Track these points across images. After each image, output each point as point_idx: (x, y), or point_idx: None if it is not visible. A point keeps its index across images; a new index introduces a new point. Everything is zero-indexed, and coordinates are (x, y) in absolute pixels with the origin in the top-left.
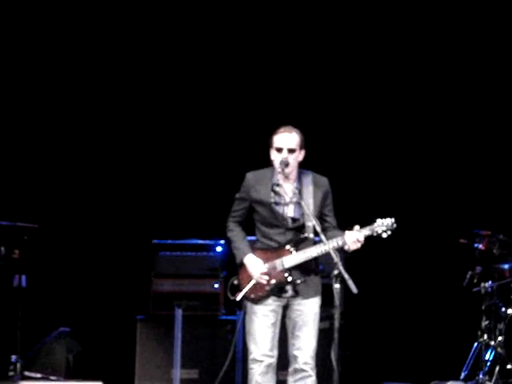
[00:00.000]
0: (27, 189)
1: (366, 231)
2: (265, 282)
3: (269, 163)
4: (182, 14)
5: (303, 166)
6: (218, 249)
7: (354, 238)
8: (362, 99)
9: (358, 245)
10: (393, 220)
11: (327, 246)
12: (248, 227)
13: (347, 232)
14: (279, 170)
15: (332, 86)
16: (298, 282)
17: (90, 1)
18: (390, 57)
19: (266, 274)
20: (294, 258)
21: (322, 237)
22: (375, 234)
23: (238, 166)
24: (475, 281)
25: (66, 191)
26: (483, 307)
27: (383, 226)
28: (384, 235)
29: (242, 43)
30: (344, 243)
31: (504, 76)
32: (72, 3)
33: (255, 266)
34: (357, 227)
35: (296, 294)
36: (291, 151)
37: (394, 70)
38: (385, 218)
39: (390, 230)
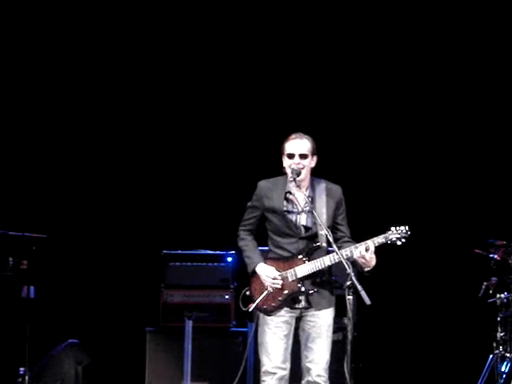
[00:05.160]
0: (36, 199)
1: (380, 239)
2: (278, 287)
3: (280, 172)
4: (193, 18)
5: (316, 174)
6: (229, 259)
7: (364, 250)
8: (377, 108)
9: (369, 259)
10: (407, 227)
11: (340, 255)
12: (260, 237)
13: (361, 243)
14: (291, 178)
15: (345, 94)
16: (311, 292)
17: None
18: (407, 65)
19: (279, 281)
20: (306, 267)
21: (335, 246)
22: (389, 242)
23: (249, 175)
24: (490, 291)
25: (75, 201)
26: (499, 318)
27: (397, 233)
28: (398, 243)
29: (256, 51)
30: (356, 253)
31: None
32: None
33: (268, 273)
34: (370, 242)
35: (309, 305)
36: (303, 157)
37: (411, 80)
38: (399, 226)
39: (405, 238)
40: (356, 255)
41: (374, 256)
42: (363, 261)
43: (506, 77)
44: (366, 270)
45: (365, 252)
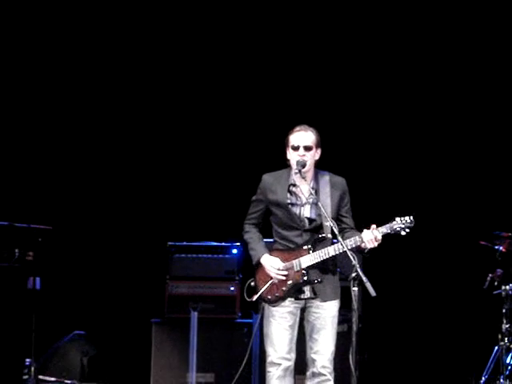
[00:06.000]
0: (41, 191)
1: (385, 229)
2: (283, 278)
3: (285, 165)
4: (193, 15)
5: (320, 167)
6: (234, 251)
7: (371, 237)
8: (381, 99)
9: (376, 243)
10: (411, 217)
11: (344, 245)
12: (265, 230)
13: (365, 230)
14: (296, 170)
15: (348, 86)
16: (315, 282)
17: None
18: (410, 57)
19: (283, 271)
20: (311, 257)
21: (339, 238)
22: (393, 232)
23: (253, 167)
24: (496, 283)
25: (81, 193)
26: (504, 310)
27: (401, 223)
28: (402, 233)
29: (258, 43)
30: (361, 242)
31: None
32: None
33: (272, 264)
34: (373, 226)
35: (314, 295)
36: (308, 149)
37: (415, 71)
38: (403, 216)
39: (409, 228)
40: (366, 238)
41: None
42: (373, 244)
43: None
44: (366, 250)
45: (372, 236)
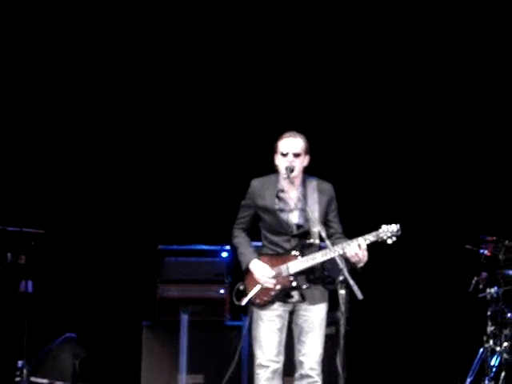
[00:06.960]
0: (34, 194)
1: (371, 237)
2: (271, 287)
3: (274, 170)
4: (189, 20)
5: (308, 172)
6: (224, 254)
7: (357, 248)
8: (368, 105)
9: (362, 256)
10: (398, 226)
11: (333, 251)
12: (253, 233)
13: (353, 240)
14: (285, 176)
15: (336, 92)
16: (303, 287)
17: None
18: (398, 63)
19: (272, 278)
20: (299, 263)
21: (328, 243)
22: (380, 240)
23: (243, 172)
24: (481, 286)
25: (73, 197)
26: (489, 313)
27: (388, 231)
28: (389, 241)
29: (248, 49)
30: (349, 251)
31: (505, 77)
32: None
33: (261, 271)
34: (361, 239)
35: (302, 299)
36: (296, 155)
37: (401, 76)
38: (390, 224)
39: (395, 236)
40: (349, 253)
41: (366, 253)
42: (356, 258)
43: (495, 69)
44: (359, 265)
45: (358, 250)
